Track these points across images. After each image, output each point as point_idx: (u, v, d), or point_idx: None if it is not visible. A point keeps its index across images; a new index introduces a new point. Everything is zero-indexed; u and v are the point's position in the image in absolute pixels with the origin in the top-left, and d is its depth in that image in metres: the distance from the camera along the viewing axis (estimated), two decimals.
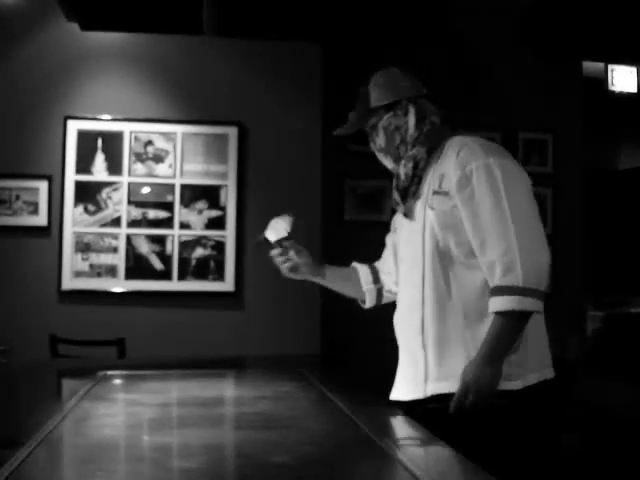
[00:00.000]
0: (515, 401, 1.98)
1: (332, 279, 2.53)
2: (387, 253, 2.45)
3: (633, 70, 5.67)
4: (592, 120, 5.47)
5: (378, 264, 2.49)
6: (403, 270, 2.23)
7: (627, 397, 3.31)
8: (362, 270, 2.50)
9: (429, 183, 2.10)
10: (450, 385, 2.00)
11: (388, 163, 2.24)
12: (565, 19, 4.68)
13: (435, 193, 2.05)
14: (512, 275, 1.90)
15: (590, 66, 5.48)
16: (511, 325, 1.93)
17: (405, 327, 2.18)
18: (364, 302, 2.54)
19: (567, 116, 5.23)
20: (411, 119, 2.16)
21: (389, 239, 2.43)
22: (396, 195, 2.19)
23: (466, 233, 2.00)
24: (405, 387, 2.16)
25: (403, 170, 2.15)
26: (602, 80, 5.66)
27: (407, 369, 2.18)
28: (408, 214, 2.16)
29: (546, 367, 2.07)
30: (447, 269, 2.04)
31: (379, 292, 2.48)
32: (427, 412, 2.03)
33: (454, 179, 2.00)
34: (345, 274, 2.53)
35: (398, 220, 2.30)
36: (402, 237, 2.24)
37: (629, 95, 5.74)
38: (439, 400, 2.02)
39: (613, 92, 5.70)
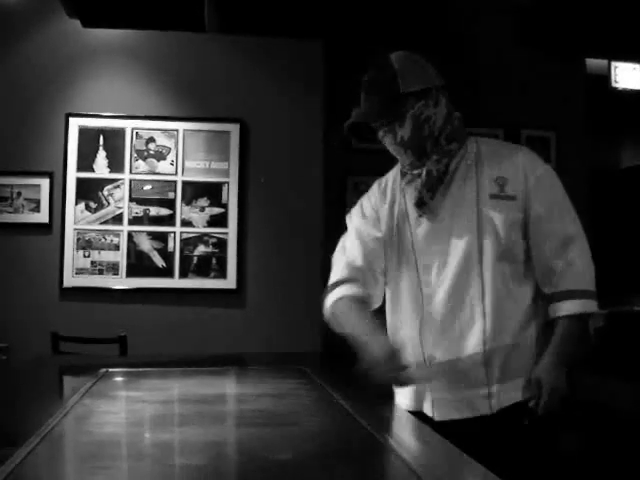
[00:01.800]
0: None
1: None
2: (363, 249, 2.15)
3: (636, 67, 5.65)
4: (595, 117, 5.46)
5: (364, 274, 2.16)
6: (435, 273, 2.02)
7: (630, 396, 3.31)
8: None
9: (479, 185, 1.99)
10: (516, 396, 1.96)
11: (407, 157, 2.04)
12: (568, 16, 4.67)
13: (495, 197, 1.96)
14: (588, 279, 1.94)
15: (593, 63, 5.47)
16: (583, 328, 1.95)
17: (455, 343, 1.98)
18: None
19: (570, 113, 5.22)
20: (441, 111, 2.00)
21: (365, 233, 2.16)
22: (424, 193, 2.00)
23: (533, 237, 1.97)
24: (455, 404, 2.00)
25: (435, 166, 1.99)
26: (605, 77, 5.64)
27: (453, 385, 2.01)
28: (432, 212, 2.02)
29: None
30: (504, 274, 1.96)
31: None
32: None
33: (524, 184, 1.97)
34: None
35: (389, 214, 2.12)
36: (422, 238, 2.04)
37: (632, 92, 5.73)
38: (505, 413, 1.96)
39: (616, 89, 5.69)
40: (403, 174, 2.12)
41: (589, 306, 1.92)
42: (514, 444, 1.93)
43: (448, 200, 2.01)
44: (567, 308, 1.91)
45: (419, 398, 2.07)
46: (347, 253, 2.18)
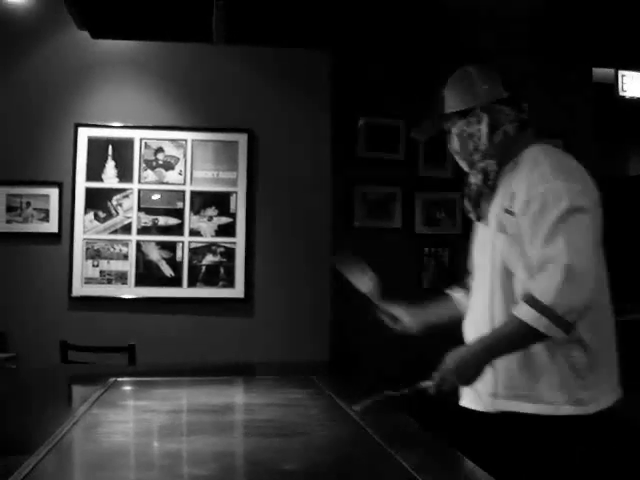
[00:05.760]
0: (589, 425, 1.94)
1: (437, 322, 2.43)
2: None
3: None
4: (602, 126, 5.45)
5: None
6: (477, 276, 2.18)
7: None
8: (456, 295, 2.41)
9: (501, 197, 2.05)
10: (517, 405, 1.97)
11: (464, 166, 2.20)
12: (575, 25, 4.67)
13: (505, 211, 2.01)
14: (547, 295, 1.81)
15: (600, 72, 5.46)
16: (526, 339, 1.89)
17: (475, 337, 2.08)
18: None
19: (577, 122, 5.22)
20: (483, 129, 2.09)
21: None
22: (467, 202, 2.17)
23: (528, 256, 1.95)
24: (472, 396, 2.09)
25: (474, 180, 2.12)
26: (612, 86, 5.63)
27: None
28: (482, 218, 2.14)
29: (617, 387, 2.03)
30: (512, 286, 1.99)
31: None
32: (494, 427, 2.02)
33: (521, 200, 1.96)
34: (443, 310, 2.42)
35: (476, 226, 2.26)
36: (476, 242, 2.21)
37: (639, 100, 5.72)
38: (507, 417, 1.98)
39: (623, 98, 5.68)
40: None
41: (539, 323, 1.81)
42: (512, 447, 1.96)
43: (492, 211, 2.10)
44: (517, 308, 1.88)
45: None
46: None
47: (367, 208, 4.86)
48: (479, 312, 2.11)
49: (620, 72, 5.62)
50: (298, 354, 4.42)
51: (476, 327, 2.09)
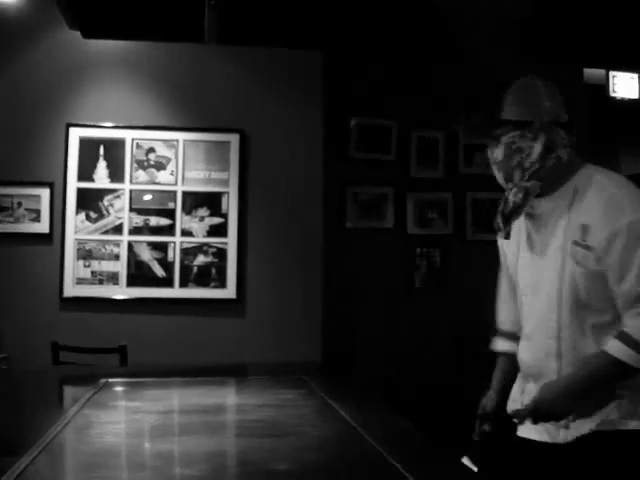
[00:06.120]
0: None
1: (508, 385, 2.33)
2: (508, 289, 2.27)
3: (634, 76, 5.67)
4: (593, 127, 5.47)
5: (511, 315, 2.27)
6: (527, 302, 2.10)
7: None
8: (512, 350, 2.28)
9: (566, 229, 1.97)
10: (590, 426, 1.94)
11: (499, 178, 2.09)
12: (566, 26, 4.68)
13: (576, 244, 1.94)
14: None
15: (591, 73, 5.48)
16: (617, 375, 1.88)
17: (537, 367, 2.04)
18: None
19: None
20: (537, 148, 2.00)
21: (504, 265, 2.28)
22: (499, 219, 2.07)
23: (609, 288, 1.91)
24: (538, 427, 2.02)
25: (512, 198, 2.03)
26: (603, 87, 5.66)
27: None
28: (509, 236, 2.09)
29: None
30: (584, 322, 1.94)
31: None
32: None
33: (601, 235, 1.89)
34: (508, 373, 2.29)
35: (510, 245, 2.17)
36: (522, 267, 2.11)
37: (630, 101, 5.74)
38: (578, 444, 1.95)
39: (614, 98, 5.70)
40: None
41: (633, 359, 1.82)
42: (581, 475, 1.93)
43: (544, 235, 2.03)
44: (611, 346, 1.86)
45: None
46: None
47: (359, 208, 4.87)
48: (540, 342, 2.02)
49: (611, 73, 5.65)
50: (290, 354, 4.42)
51: (534, 356, 2.04)
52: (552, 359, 1.98)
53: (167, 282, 4.54)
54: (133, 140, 4.57)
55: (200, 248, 4.58)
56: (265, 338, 4.54)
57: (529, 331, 2.08)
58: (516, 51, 4.97)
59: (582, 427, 1.93)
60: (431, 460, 1.73)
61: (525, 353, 2.09)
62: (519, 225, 2.13)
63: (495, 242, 2.27)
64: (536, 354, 2.03)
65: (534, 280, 2.06)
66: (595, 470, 1.91)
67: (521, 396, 2.10)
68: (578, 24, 4.65)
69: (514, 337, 2.21)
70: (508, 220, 2.06)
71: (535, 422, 1.95)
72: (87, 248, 4.50)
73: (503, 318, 2.29)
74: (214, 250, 4.58)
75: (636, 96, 5.64)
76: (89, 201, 4.52)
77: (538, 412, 1.93)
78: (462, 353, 4.62)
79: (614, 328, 1.90)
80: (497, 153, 2.04)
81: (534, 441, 2.02)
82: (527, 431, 2.04)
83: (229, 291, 4.58)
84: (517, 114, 2.01)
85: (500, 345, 2.28)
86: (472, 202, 4.98)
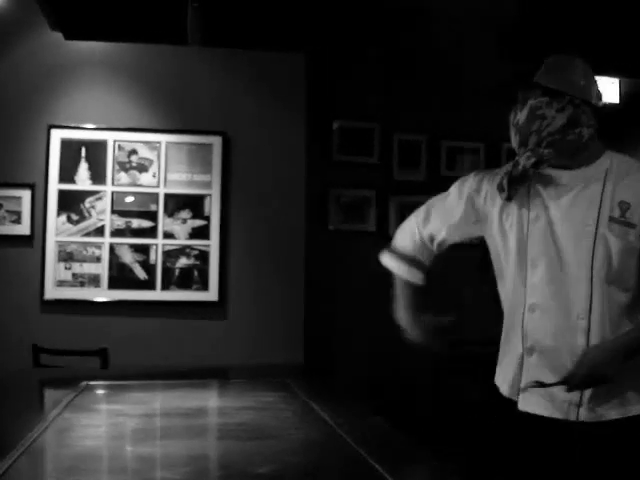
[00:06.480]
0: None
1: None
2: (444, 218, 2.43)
3: (615, 81, 5.71)
4: None
5: (421, 235, 2.46)
6: (539, 272, 2.04)
7: None
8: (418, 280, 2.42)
9: (602, 205, 1.99)
10: (607, 413, 1.95)
11: (514, 141, 2.09)
12: (547, 31, 4.72)
13: (614, 220, 1.97)
14: None
15: None
16: None
17: (557, 343, 2.00)
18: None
19: None
20: (560, 119, 2.02)
21: (455, 202, 2.34)
22: (504, 180, 2.06)
23: None
24: (547, 403, 2.01)
25: (523, 161, 2.03)
26: None
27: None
28: (512, 199, 2.06)
29: None
30: (612, 297, 1.96)
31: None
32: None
33: None
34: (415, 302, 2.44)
35: (514, 211, 2.11)
36: (536, 236, 2.05)
37: (611, 106, 5.79)
38: (590, 427, 1.95)
39: (595, 104, 5.74)
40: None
41: None
42: (594, 459, 1.93)
43: (571, 209, 2.02)
44: None
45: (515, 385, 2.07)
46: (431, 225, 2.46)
47: (341, 211, 4.88)
48: (563, 317, 1.99)
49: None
50: (272, 356, 4.42)
51: (555, 330, 2.00)
52: (580, 335, 1.96)
53: (149, 284, 4.53)
54: (115, 142, 4.55)
55: (182, 250, 4.57)
56: (247, 340, 4.54)
57: (543, 303, 2.01)
58: (498, 53, 5.00)
59: (609, 412, 1.93)
60: (413, 461, 1.74)
61: (537, 327, 2.02)
62: (525, 195, 2.09)
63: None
64: (557, 328, 1.99)
65: (552, 251, 2.01)
66: (620, 455, 1.92)
67: (521, 370, 2.04)
68: (559, 29, 4.69)
69: (414, 262, 2.38)
70: (513, 183, 2.04)
71: (582, 388, 1.92)
72: (68, 250, 4.48)
73: (406, 243, 2.43)
74: (196, 252, 4.57)
75: (617, 101, 5.69)
76: (70, 203, 4.50)
77: (591, 377, 1.90)
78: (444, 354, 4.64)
79: (638, 305, 1.96)
80: (520, 116, 2.05)
81: (541, 417, 1.99)
82: (532, 406, 2.01)
83: (211, 294, 4.57)
84: (550, 82, 2.04)
85: (401, 270, 2.44)
86: None
